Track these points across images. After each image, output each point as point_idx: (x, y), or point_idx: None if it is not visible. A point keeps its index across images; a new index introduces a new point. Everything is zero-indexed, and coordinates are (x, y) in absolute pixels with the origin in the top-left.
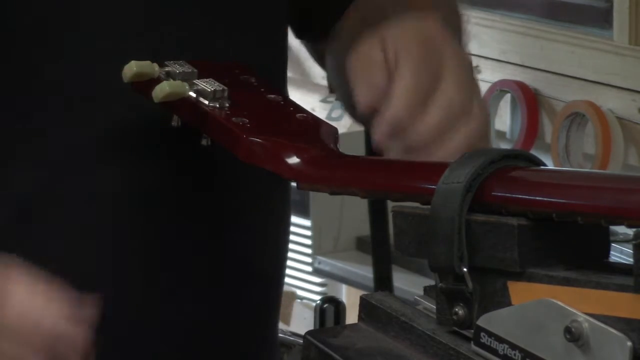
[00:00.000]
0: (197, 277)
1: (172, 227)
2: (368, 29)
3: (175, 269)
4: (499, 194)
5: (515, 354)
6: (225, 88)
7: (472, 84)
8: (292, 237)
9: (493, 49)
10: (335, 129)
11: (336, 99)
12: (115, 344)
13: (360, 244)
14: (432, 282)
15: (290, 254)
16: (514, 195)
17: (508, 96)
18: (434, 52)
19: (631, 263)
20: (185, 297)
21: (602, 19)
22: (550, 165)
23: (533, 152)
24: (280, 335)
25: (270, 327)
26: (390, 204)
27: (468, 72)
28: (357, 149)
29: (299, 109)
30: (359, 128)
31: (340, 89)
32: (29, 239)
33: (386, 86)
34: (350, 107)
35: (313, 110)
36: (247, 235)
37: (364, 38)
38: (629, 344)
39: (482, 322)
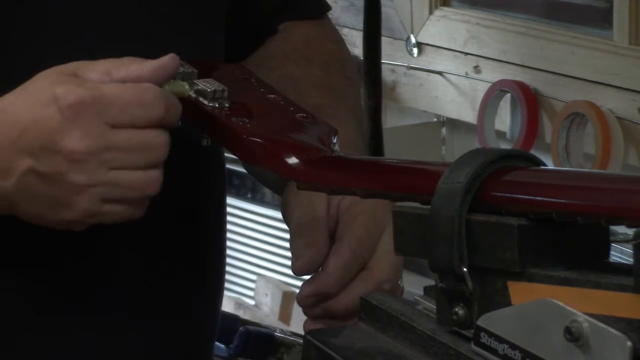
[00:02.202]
0: (194, 273)
1: (172, 226)
2: None
3: (179, 264)
4: (499, 194)
5: (515, 354)
6: (225, 88)
7: (400, 265)
8: None
9: (493, 49)
10: (335, 129)
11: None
12: None
13: None
14: (432, 282)
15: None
16: (514, 195)
17: (508, 96)
18: (375, 227)
19: (631, 263)
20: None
21: (602, 19)
22: (550, 165)
23: (533, 152)
24: (280, 335)
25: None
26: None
27: None
28: None
29: (298, 109)
30: None
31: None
32: None
33: (324, 249)
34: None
35: None
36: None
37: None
38: (629, 344)
39: (482, 322)
